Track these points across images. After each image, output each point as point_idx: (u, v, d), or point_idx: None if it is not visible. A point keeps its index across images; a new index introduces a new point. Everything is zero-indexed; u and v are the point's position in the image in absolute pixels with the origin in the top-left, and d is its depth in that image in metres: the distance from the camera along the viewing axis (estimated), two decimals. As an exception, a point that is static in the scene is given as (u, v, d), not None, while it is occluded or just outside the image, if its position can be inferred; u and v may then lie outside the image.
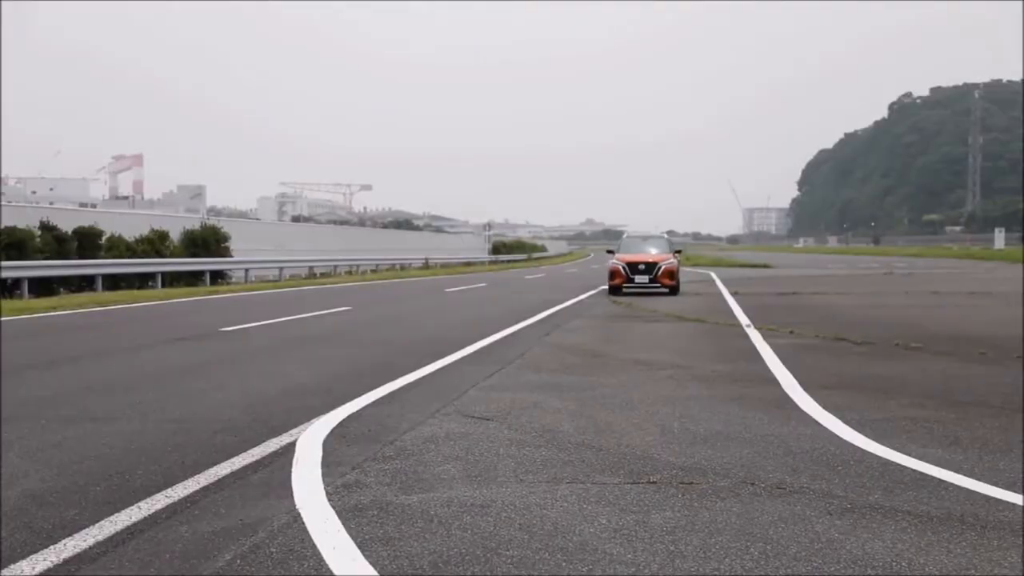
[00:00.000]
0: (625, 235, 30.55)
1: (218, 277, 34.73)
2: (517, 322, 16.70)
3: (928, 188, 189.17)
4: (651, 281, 25.86)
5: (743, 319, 17.24)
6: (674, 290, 25.92)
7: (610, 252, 28.35)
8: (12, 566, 4.10)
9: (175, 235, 34.55)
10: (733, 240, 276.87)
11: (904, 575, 4.01)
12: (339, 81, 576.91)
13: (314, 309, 20.17)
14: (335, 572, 4.01)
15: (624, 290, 26.05)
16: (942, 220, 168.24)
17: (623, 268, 26.17)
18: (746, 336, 14.23)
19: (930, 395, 8.69)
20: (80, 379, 9.66)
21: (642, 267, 25.96)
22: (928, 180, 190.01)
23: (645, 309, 20.34)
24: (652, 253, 27.07)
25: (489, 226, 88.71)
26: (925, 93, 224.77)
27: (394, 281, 38.58)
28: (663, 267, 25.99)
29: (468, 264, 68.44)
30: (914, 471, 5.76)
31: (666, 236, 30.01)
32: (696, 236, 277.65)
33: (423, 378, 9.76)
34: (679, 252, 28.15)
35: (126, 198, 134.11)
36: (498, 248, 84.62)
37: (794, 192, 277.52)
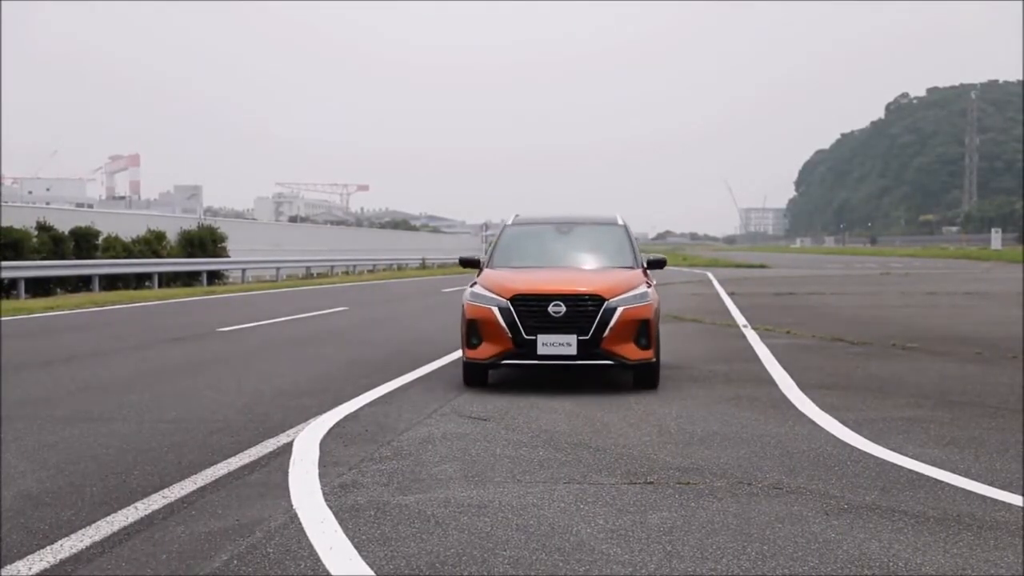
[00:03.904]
0: (514, 218, 11.09)
1: (215, 277, 34.69)
2: (514, 322, 16.68)
3: (925, 188, 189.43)
4: (584, 348, 8.73)
5: (740, 319, 17.25)
6: (648, 372, 9.06)
7: (470, 265, 10.38)
8: (9, 567, 4.09)
9: (172, 235, 34.52)
10: (730, 240, 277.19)
11: (901, 575, 4.02)
12: (336, 81, 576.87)
13: (311, 309, 20.16)
14: (332, 572, 4.01)
15: (506, 364, 9.02)
16: (938, 220, 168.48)
17: (502, 313, 8.83)
18: (743, 336, 14.24)
19: (926, 395, 8.71)
20: (77, 379, 9.65)
21: (558, 311, 8.74)
22: (925, 180, 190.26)
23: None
24: (584, 270, 9.85)
25: (486, 226, 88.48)
26: (922, 93, 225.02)
27: (391, 281, 38.58)
28: (620, 312, 8.79)
29: (465, 264, 68.36)
30: (911, 471, 5.77)
31: (623, 223, 10.72)
32: (693, 236, 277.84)
33: (420, 378, 9.76)
34: (660, 264, 10.21)
35: (123, 198, 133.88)
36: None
37: (791, 192, 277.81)
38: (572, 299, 8.69)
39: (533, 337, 8.64)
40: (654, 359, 8.91)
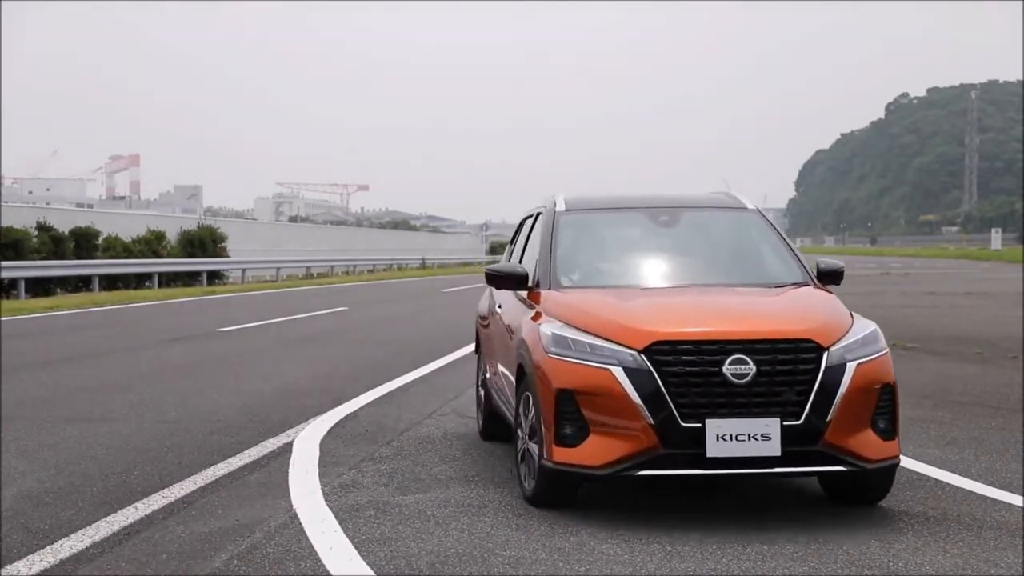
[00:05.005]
0: (565, 201, 6.28)
1: (215, 277, 34.67)
2: (514, 322, 16.67)
3: (925, 188, 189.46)
4: (794, 443, 4.62)
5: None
6: (883, 480, 4.99)
7: (508, 283, 5.97)
8: (9, 567, 4.10)
9: (172, 235, 34.52)
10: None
11: (901, 575, 4.02)
12: (336, 81, 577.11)
13: (311, 309, 20.15)
14: (332, 572, 4.02)
15: (646, 476, 4.70)
16: (939, 220, 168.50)
17: (633, 378, 4.67)
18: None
19: (927, 395, 8.70)
20: (77, 379, 9.65)
21: (743, 372, 4.64)
22: (925, 180, 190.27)
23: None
24: (751, 291, 5.58)
25: (486, 226, 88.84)
26: (922, 93, 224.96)
27: (391, 281, 38.58)
28: (852, 373, 4.75)
29: (466, 264, 68.43)
30: (911, 471, 5.77)
31: (753, 207, 6.32)
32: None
33: (420, 378, 9.76)
34: (838, 276, 6.03)
35: (123, 198, 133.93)
36: (495, 248, 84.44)
37: (791, 192, 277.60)
38: (768, 350, 4.70)
39: (697, 424, 4.60)
40: (899, 455, 4.99)
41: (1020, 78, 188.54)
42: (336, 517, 4.77)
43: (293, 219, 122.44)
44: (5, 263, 23.54)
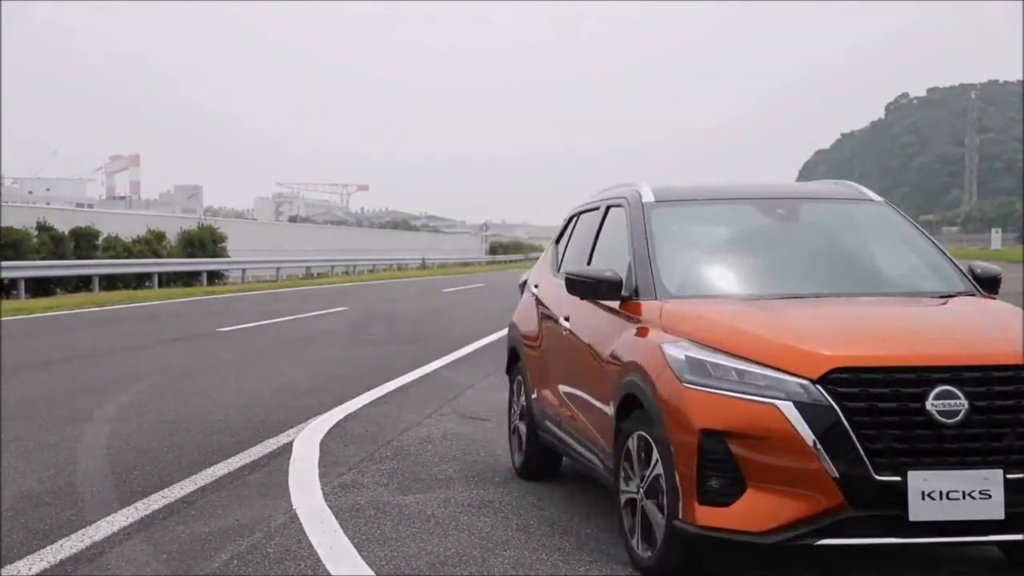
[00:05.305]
0: (654, 191, 5.00)
1: (215, 277, 34.67)
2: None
3: (925, 188, 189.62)
4: (1018, 515, 3.57)
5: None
6: None
7: (597, 289, 4.60)
8: (9, 567, 4.10)
9: (172, 235, 34.52)
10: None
11: (903, 574, 4.01)
12: (336, 81, 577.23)
13: (311, 309, 20.15)
14: (332, 572, 4.01)
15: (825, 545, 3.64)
16: (939, 220, 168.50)
17: (807, 414, 3.58)
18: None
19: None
20: (77, 379, 9.65)
21: (953, 409, 3.59)
22: (925, 180, 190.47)
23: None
24: (927, 303, 4.48)
25: (486, 226, 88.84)
26: (922, 93, 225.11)
27: (391, 281, 38.58)
28: None
29: (466, 264, 68.50)
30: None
31: (880, 198, 5.18)
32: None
33: (420, 378, 9.76)
34: (997, 282, 4.72)
35: (123, 198, 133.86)
36: (495, 249, 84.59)
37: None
38: (982, 379, 3.68)
39: (896, 477, 3.58)
40: None
41: (1020, 78, 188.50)
42: (336, 517, 4.77)
43: (293, 219, 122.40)
44: (5, 263, 23.54)
